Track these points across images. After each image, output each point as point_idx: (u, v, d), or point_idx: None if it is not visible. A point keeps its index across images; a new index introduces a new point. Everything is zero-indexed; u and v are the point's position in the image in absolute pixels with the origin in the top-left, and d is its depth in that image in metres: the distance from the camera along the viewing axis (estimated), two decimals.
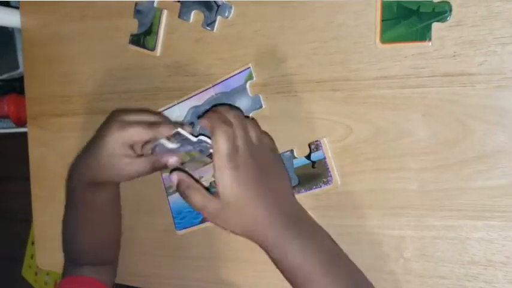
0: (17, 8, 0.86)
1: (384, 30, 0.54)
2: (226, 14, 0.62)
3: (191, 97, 0.66)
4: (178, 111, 0.67)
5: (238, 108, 0.60)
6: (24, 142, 0.83)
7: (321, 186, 0.59)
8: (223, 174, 0.50)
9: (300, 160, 0.60)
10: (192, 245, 0.68)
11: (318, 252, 0.52)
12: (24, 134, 0.84)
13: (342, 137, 0.57)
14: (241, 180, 0.51)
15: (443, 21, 0.51)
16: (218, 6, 0.63)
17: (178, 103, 0.67)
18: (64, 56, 0.77)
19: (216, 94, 0.64)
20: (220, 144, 0.51)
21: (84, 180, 0.62)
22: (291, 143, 0.60)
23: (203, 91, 0.64)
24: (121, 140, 0.57)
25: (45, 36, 0.80)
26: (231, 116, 0.54)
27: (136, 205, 0.72)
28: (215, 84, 0.64)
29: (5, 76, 1.39)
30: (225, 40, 0.63)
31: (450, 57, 0.51)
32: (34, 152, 0.82)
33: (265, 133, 0.59)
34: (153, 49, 0.68)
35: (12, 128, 1.50)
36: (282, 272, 0.53)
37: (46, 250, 0.82)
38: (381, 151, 0.55)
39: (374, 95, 0.55)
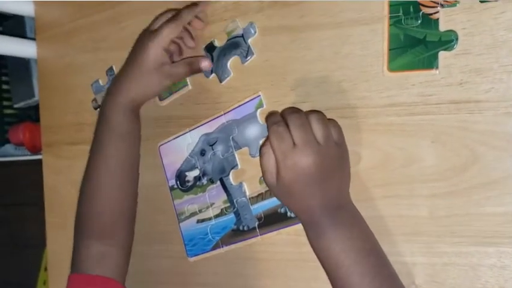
0: (33, 39, 0.88)
1: (391, 59, 0.55)
2: (253, 32, 0.63)
3: (202, 125, 0.67)
4: (190, 139, 0.68)
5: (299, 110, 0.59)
6: (38, 169, 0.85)
7: None
8: (279, 167, 0.53)
9: None
10: (204, 272, 0.68)
11: (353, 245, 0.52)
12: (39, 161, 0.86)
13: (351, 164, 0.57)
14: (293, 178, 0.53)
15: (449, 50, 0.52)
16: (242, 35, 0.64)
17: (189, 131, 0.68)
18: (78, 86, 0.79)
19: (227, 121, 0.65)
20: (274, 144, 0.53)
21: (125, 103, 0.65)
22: None
23: (214, 119, 0.66)
24: (161, 43, 0.63)
25: (60, 67, 0.82)
26: (288, 114, 0.55)
27: (148, 233, 0.72)
28: (226, 112, 0.65)
29: (21, 104, 1.43)
30: (234, 69, 0.65)
31: (457, 84, 0.52)
32: (48, 179, 0.83)
33: (334, 124, 0.57)
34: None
35: (27, 155, 1.52)
36: (317, 254, 0.54)
37: (59, 276, 0.83)
38: (390, 178, 0.56)
39: (382, 122, 0.56)
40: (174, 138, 0.69)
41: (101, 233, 0.66)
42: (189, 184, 0.69)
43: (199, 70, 0.65)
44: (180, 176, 0.70)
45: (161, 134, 0.71)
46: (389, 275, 0.54)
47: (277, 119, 0.55)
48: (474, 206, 0.52)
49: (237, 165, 0.65)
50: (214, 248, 0.67)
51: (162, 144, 0.71)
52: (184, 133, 0.69)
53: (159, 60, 0.63)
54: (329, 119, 0.57)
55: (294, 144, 0.52)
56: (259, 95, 0.63)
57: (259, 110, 0.63)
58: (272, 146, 0.53)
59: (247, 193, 0.65)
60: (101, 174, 0.67)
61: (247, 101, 0.64)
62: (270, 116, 0.57)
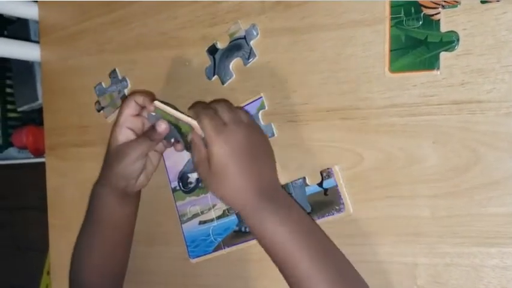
0: (36, 42, 0.89)
1: (392, 60, 0.55)
2: (255, 34, 0.64)
3: None
4: None
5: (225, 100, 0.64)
6: (41, 172, 0.85)
7: (333, 214, 0.59)
8: (212, 145, 0.54)
9: (312, 188, 0.60)
10: (205, 273, 0.68)
11: (295, 227, 0.54)
12: (42, 164, 0.86)
13: (353, 165, 0.58)
14: (228, 152, 0.54)
15: (451, 51, 0.52)
16: (244, 36, 0.64)
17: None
18: (82, 88, 0.79)
19: None
20: (205, 121, 0.55)
21: (109, 187, 0.65)
22: (302, 170, 0.61)
23: None
24: (121, 122, 0.63)
25: (64, 69, 0.83)
26: (215, 103, 0.59)
27: (150, 234, 0.73)
28: None
29: (25, 108, 1.43)
30: (237, 71, 0.65)
31: (459, 85, 0.52)
32: (52, 181, 0.83)
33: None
34: None
35: (30, 158, 1.53)
36: (258, 241, 0.56)
37: (62, 279, 0.82)
38: (392, 178, 0.56)
39: (384, 123, 0.56)
40: None
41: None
42: (191, 186, 0.69)
43: (159, 135, 0.62)
44: (183, 177, 0.70)
45: None
46: (336, 253, 0.56)
47: (205, 105, 0.59)
48: (476, 206, 0.52)
49: None
50: (216, 250, 0.67)
51: None
52: None
53: (121, 140, 0.63)
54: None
55: (224, 123, 0.55)
56: (261, 97, 0.63)
57: (261, 112, 0.63)
58: (204, 125, 0.55)
59: None
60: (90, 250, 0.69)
61: (249, 103, 0.64)
62: (196, 104, 0.60)
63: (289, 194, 0.61)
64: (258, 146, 0.58)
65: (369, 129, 0.57)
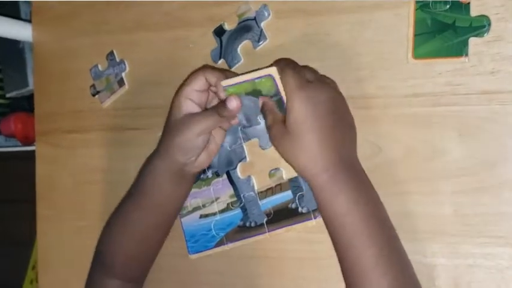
0: (28, 21, 0.84)
1: (416, 45, 0.51)
2: (267, 15, 0.60)
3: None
4: None
5: None
6: (29, 162, 0.81)
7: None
8: (293, 101, 0.49)
9: None
10: (206, 270, 0.64)
11: (370, 210, 0.49)
12: (30, 153, 0.81)
13: (370, 157, 0.54)
14: (310, 111, 0.48)
15: (481, 36, 0.49)
16: (255, 17, 0.60)
17: None
18: (77, 71, 0.75)
19: None
20: (288, 73, 0.50)
21: (167, 161, 0.58)
22: None
23: None
24: (185, 93, 0.56)
25: (57, 51, 0.78)
26: (298, 65, 0.53)
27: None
28: None
29: (13, 94, 1.38)
30: (245, 55, 0.61)
31: (488, 73, 0.49)
32: (42, 169, 0.79)
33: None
34: None
35: (18, 146, 1.48)
36: (322, 214, 0.50)
37: (49, 273, 0.78)
38: (412, 172, 0.52)
39: (405, 113, 0.52)
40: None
41: (125, 275, 0.63)
42: None
43: (230, 112, 0.55)
44: None
45: (162, 123, 0.66)
46: (401, 247, 0.50)
47: (291, 61, 0.53)
48: (503, 204, 0.48)
49: (245, 157, 0.61)
50: (218, 245, 0.63)
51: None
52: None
53: (185, 110, 0.56)
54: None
55: (308, 81, 0.50)
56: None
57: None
58: (286, 77, 0.50)
59: (256, 187, 0.61)
60: (135, 221, 0.61)
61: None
62: (280, 60, 0.53)
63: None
64: (342, 112, 0.52)
65: (388, 119, 0.53)
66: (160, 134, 0.65)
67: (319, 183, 0.49)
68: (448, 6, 0.50)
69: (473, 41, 0.49)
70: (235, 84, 0.54)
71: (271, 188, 0.60)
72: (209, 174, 0.64)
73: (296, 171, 0.51)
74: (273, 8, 0.59)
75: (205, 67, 0.59)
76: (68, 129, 0.76)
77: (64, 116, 0.76)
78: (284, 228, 0.59)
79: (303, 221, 0.58)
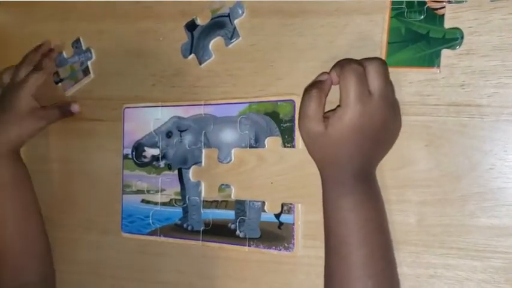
0: None
1: (389, 53, 0.51)
2: (241, 12, 0.58)
3: (178, 106, 0.61)
4: (160, 114, 0.63)
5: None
6: None
7: (280, 250, 0.56)
8: (347, 111, 0.46)
9: (268, 215, 0.56)
10: (166, 269, 0.63)
11: (367, 219, 0.48)
12: None
13: None
14: (357, 125, 0.46)
15: (453, 49, 0.49)
16: (228, 14, 0.58)
17: (162, 106, 0.62)
18: None
19: (204, 114, 0.60)
20: (351, 85, 0.46)
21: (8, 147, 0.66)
22: (265, 192, 0.57)
23: (192, 105, 0.60)
24: (29, 91, 0.67)
25: (21, 35, 0.75)
26: (367, 61, 0.48)
27: (105, 224, 0.66)
28: (207, 104, 0.60)
29: None
30: (217, 51, 0.60)
31: (458, 86, 0.49)
32: None
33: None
34: None
35: None
36: (326, 212, 0.49)
37: None
38: (378, 180, 0.52)
39: None
40: (143, 107, 0.64)
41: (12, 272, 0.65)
42: (145, 160, 0.64)
43: (71, 113, 0.69)
44: (138, 148, 0.64)
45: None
46: (392, 260, 0.50)
47: (356, 62, 0.48)
48: (467, 216, 0.49)
49: (201, 162, 0.60)
50: (151, 234, 0.63)
51: (128, 107, 0.65)
52: (156, 106, 0.63)
53: (29, 106, 0.67)
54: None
55: (370, 93, 0.47)
56: (248, 103, 0.57)
57: (241, 117, 0.58)
58: (347, 85, 0.46)
59: (203, 194, 0.60)
60: None
61: (233, 103, 0.58)
62: (344, 62, 0.49)
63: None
64: (390, 130, 0.50)
65: None
66: (126, 105, 0.65)
67: (331, 181, 0.49)
68: (422, 17, 0.50)
69: (445, 53, 0.49)
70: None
71: (216, 201, 0.59)
72: (161, 164, 0.62)
73: (317, 164, 0.50)
74: (247, 6, 0.58)
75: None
76: None
77: None
78: (218, 244, 0.59)
79: (237, 245, 0.58)
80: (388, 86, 0.48)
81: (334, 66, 0.49)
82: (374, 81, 0.47)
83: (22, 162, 0.68)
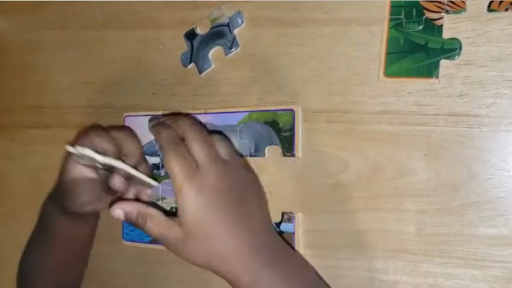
0: None
1: (388, 64, 0.51)
2: (240, 22, 0.58)
3: (178, 114, 0.61)
4: None
5: (196, 120, 0.52)
6: None
7: None
8: (183, 197, 0.43)
9: None
10: (168, 277, 0.63)
11: None
12: None
13: (336, 172, 0.54)
14: (205, 204, 0.43)
15: (451, 59, 0.49)
16: (228, 24, 0.59)
17: (162, 115, 0.62)
18: (40, 65, 0.72)
19: (204, 123, 0.60)
20: (172, 164, 0.44)
21: (59, 209, 0.57)
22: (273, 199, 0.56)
23: (192, 114, 0.60)
24: (75, 158, 0.53)
25: (20, 42, 0.75)
26: (187, 127, 0.47)
27: (105, 232, 0.66)
28: (207, 113, 0.60)
29: None
30: (216, 61, 0.60)
31: (457, 96, 0.49)
32: None
33: (237, 152, 0.53)
34: None
35: None
36: None
37: (4, 273, 0.75)
38: (377, 189, 0.52)
39: (374, 129, 0.52)
40: (144, 115, 0.63)
41: None
42: None
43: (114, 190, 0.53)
44: None
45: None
46: None
47: (173, 135, 0.47)
48: (466, 225, 0.49)
49: None
50: (152, 242, 0.62)
51: (128, 116, 0.65)
52: (156, 115, 0.63)
53: (73, 174, 0.53)
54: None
55: (197, 164, 0.45)
56: (247, 112, 0.57)
57: (240, 126, 0.58)
58: (172, 169, 0.44)
59: None
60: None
61: (234, 112, 0.58)
62: (162, 130, 0.48)
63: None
64: (244, 186, 0.47)
65: (356, 135, 0.53)
66: (127, 114, 0.64)
67: (241, 281, 0.45)
68: (421, 27, 0.50)
69: (444, 63, 0.49)
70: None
71: None
72: (162, 172, 0.63)
73: (212, 272, 0.47)
74: (247, 15, 0.58)
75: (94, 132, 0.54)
76: (27, 125, 0.73)
77: (24, 110, 0.74)
78: None
79: None
80: (212, 146, 0.47)
81: (151, 126, 0.48)
82: (196, 150, 0.45)
83: (82, 224, 0.61)
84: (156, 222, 0.46)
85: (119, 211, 0.47)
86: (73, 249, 0.61)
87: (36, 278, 0.61)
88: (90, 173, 0.53)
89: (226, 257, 0.45)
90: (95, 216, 0.63)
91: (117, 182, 0.51)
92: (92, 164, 0.53)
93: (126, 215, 0.47)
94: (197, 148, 0.46)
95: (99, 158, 0.50)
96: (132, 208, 0.47)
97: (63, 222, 0.57)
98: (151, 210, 0.47)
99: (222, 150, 0.48)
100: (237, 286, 0.46)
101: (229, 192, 0.45)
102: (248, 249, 0.45)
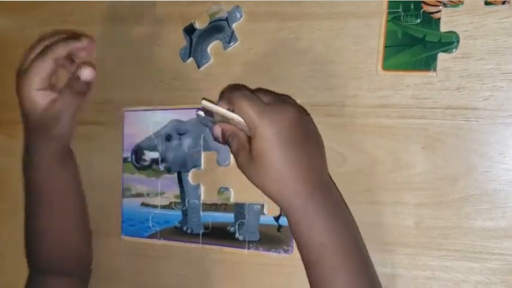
0: None
1: (386, 57, 0.52)
2: (239, 16, 0.58)
3: (176, 109, 0.62)
4: (159, 117, 0.63)
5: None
6: None
7: (279, 253, 0.56)
8: (256, 130, 0.46)
9: (267, 218, 0.57)
10: (167, 272, 0.63)
11: (343, 238, 0.48)
12: None
13: (335, 166, 0.54)
14: (275, 139, 0.46)
15: (449, 52, 0.49)
16: (226, 18, 0.59)
17: (161, 110, 0.63)
18: None
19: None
20: (243, 103, 0.47)
21: (47, 153, 0.61)
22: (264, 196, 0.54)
23: (191, 108, 0.60)
24: (32, 86, 0.58)
25: (19, 40, 0.75)
26: (249, 91, 0.51)
27: (105, 227, 0.67)
28: None
29: None
30: (215, 55, 0.60)
31: (454, 89, 0.49)
32: None
33: None
34: None
35: None
36: (298, 244, 0.49)
37: (5, 270, 0.75)
38: (375, 183, 0.52)
39: (372, 123, 0.53)
40: (143, 110, 0.64)
41: (60, 270, 0.64)
42: (145, 164, 0.64)
43: (87, 86, 0.59)
44: (138, 151, 0.64)
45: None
46: (373, 272, 0.50)
47: (240, 88, 0.51)
48: (463, 218, 0.49)
49: (200, 165, 0.61)
50: (151, 237, 0.63)
51: (127, 111, 0.65)
52: (155, 109, 0.63)
53: (44, 103, 0.58)
54: None
55: (267, 103, 0.48)
56: None
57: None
58: (242, 107, 0.47)
59: (202, 197, 0.60)
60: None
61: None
62: (230, 88, 0.53)
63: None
64: (308, 129, 0.50)
65: (354, 128, 0.53)
66: (126, 109, 0.66)
67: (293, 209, 0.47)
68: (419, 21, 0.50)
69: (441, 57, 0.50)
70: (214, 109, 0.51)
71: (216, 204, 0.60)
72: (161, 167, 0.63)
73: (268, 197, 0.49)
74: (245, 10, 0.58)
75: (51, 47, 0.60)
76: None
77: None
78: (217, 247, 0.59)
79: (237, 248, 0.58)
80: (279, 95, 0.51)
81: (221, 97, 0.51)
82: (264, 97, 0.49)
83: (66, 165, 0.64)
84: (237, 142, 0.50)
85: (218, 129, 0.52)
86: (71, 199, 0.64)
87: (42, 238, 0.64)
88: (52, 93, 0.59)
89: (284, 184, 0.47)
90: (72, 153, 0.65)
91: (87, 72, 0.58)
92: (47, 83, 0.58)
93: (223, 132, 0.52)
94: (264, 96, 0.50)
95: (225, 112, 0.50)
96: (229, 127, 0.51)
97: (55, 170, 0.61)
98: (239, 132, 0.50)
99: (287, 98, 0.53)
100: (288, 210, 0.48)
101: (297, 129, 0.47)
102: (304, 181, 0.47)
